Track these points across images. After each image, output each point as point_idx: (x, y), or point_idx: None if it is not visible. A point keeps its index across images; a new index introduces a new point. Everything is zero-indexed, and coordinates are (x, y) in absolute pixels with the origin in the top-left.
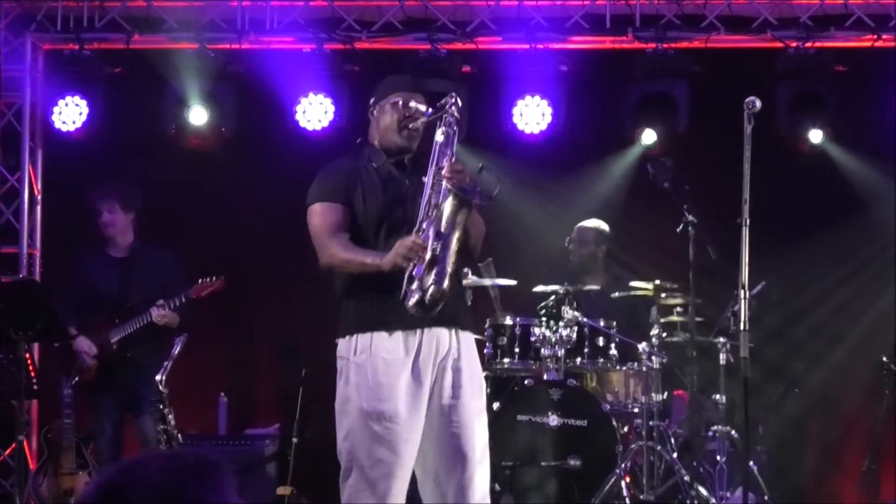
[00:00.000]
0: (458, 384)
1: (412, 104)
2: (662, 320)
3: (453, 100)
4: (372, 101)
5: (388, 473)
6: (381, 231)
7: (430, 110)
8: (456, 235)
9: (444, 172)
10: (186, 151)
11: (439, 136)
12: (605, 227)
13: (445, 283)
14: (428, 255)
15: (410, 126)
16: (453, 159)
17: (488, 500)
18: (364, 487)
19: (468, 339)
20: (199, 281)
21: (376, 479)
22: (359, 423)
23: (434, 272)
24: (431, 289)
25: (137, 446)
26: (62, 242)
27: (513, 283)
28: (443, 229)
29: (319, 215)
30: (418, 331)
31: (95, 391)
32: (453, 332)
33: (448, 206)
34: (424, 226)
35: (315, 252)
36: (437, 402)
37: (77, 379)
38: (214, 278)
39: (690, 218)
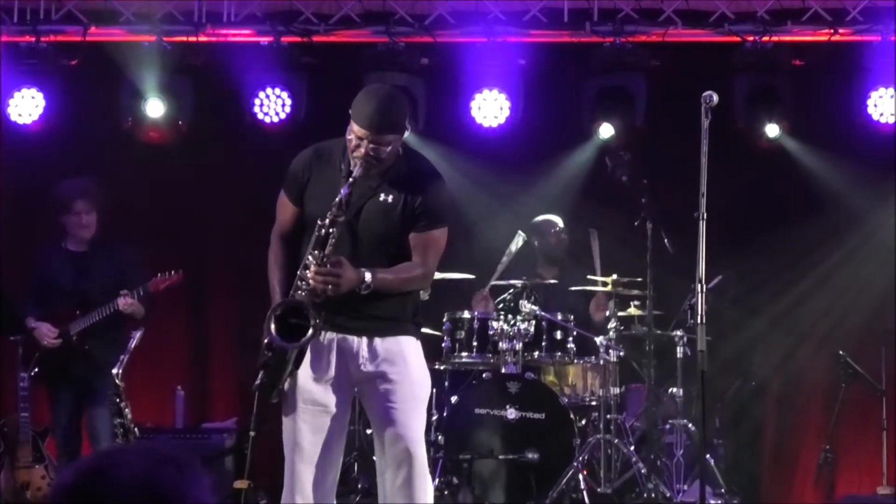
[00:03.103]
0: (391, 389)
1: (361, 150)
2: (620, 314)
3: (345, 191)
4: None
5: (291, 456)
6: (306, 229)
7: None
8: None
9: (310, 271)
10: (143, 144)
11: (331, 218)
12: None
13: (273, 397)
14: (261, 359)
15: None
16: (322, 265)
17: (431, 500)
18: (287, 461)
19: (393, 344)
20: (157, 275)
21: (288, 457)
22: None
23: (265, 375)
24: (261, 387)
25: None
26: (18, 236)
27: (471, 276)
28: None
29: (279, 204)
30: (322, 331)
31: (53, 384)
32: (364, 340)
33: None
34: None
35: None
36: (377, 408)
37: (36, 370)
38: (172, 272)
39: (648, 212)
